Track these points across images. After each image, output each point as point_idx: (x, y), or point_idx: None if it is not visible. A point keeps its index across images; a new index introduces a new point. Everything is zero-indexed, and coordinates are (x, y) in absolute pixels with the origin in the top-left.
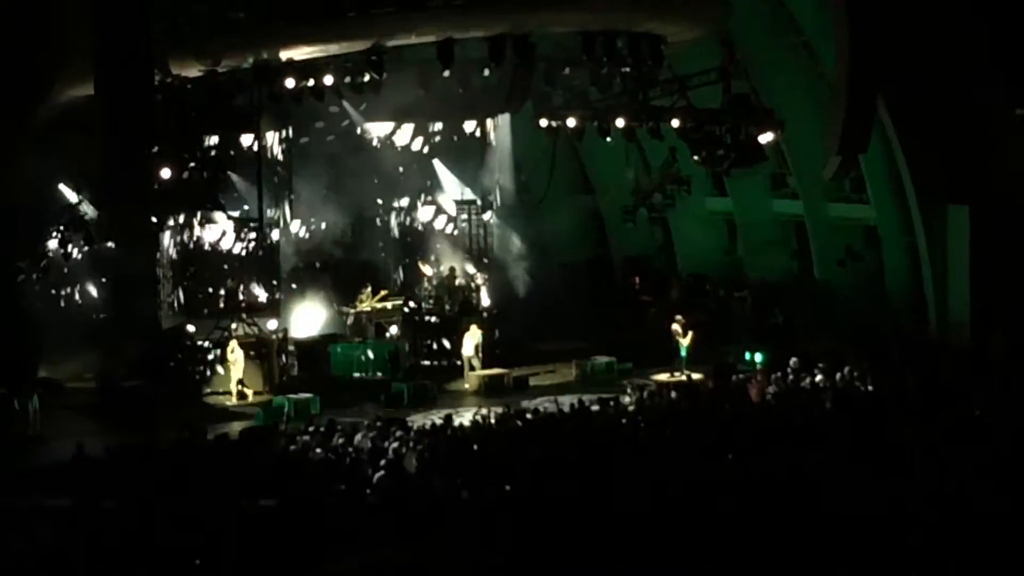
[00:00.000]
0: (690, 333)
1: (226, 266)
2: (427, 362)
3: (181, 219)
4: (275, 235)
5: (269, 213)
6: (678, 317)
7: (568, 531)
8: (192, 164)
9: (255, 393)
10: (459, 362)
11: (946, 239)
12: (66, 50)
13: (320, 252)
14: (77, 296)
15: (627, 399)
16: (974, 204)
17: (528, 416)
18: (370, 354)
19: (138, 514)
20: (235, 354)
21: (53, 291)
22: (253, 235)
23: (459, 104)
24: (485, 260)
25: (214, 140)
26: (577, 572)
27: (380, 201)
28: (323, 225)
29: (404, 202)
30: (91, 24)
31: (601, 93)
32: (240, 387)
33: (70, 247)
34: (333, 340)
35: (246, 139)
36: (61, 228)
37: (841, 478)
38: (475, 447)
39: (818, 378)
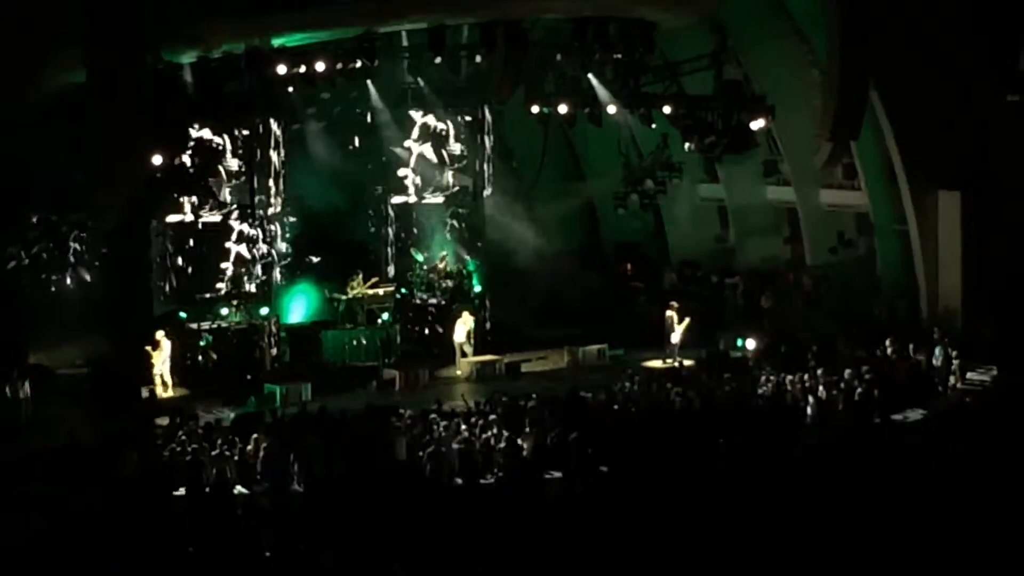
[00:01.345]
0: (686, 320)
1: (219, 253)
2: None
3: (173, 205)
4: (266, 221)
5: (261, 199)
6: (672, 304)
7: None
8: (183, 151)
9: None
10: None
11: (938, 225)
12: (58, 35)
13: (312, 238)
14: (69, 281)
15: (618, 385)
16: (966, 190)
17: (521, 403)
18: (362, 340)
19: (130, 501)
20: (162, 344)
21: (43, 275)
22: (244, 221)
23: (451, 91)
24: (478, 244)
25: (206, 126)
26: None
27: (372, 187)
28: (314, 212)
29: (396, 188)
30: (83, 9)
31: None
32: (163, 378)
33: (62, 231)
34: (324, 327)
35: (238, 125)
36: (52, 215)
37: (833, 463)
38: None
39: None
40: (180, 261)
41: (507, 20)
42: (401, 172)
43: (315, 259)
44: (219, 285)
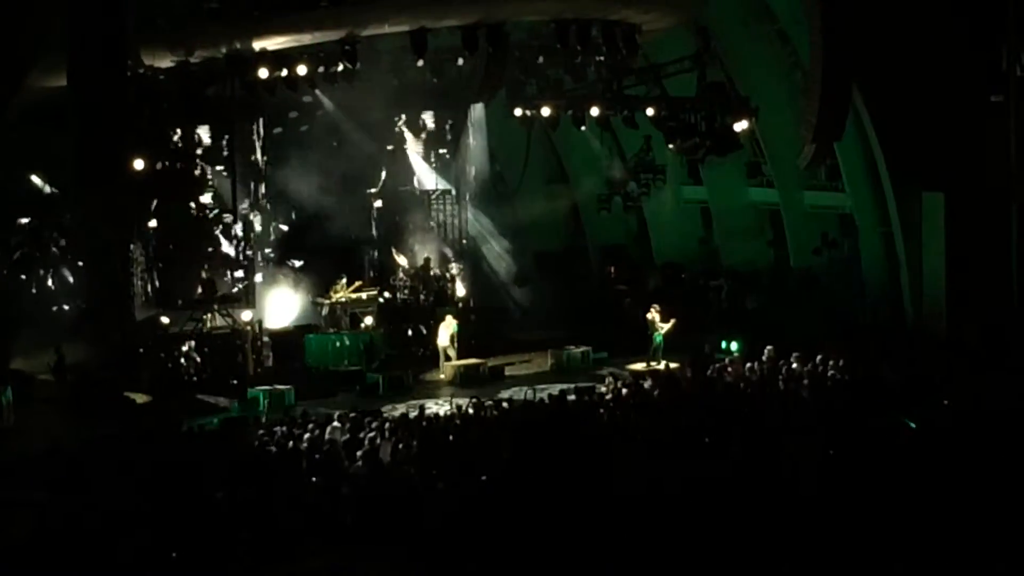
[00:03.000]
0: (672, 321)
1: (199, 257)
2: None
3: (155, 210)
4: (249, 225)
5: (243, 203)
6: (655, 306)
7: (544, 524)
8: (165, 155)
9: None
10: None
11: (921, 226)
12: (40, 41)
13: (294, 242)
14: (51, 282)
15: (603, 388)
16: (949, 191)
17: (504, 406)
18: (345, 344)
19: (113, 507)
20: None
21: (25, 280)
22: (227, 226)
23: (433, 94)
24: (464, 242)
25: (188, 131)
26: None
27: (355, 191)
28: (297, 215)
29: (379, 192)
30: (65, 14)
31: (575, 82)
32: None
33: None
34: (308, 331)
35: (220, 130)
36: (34, 220)
37: (818, 467)
38: (450, 437)
39: (794, 366)
40: (161, 265)
41: (489, 23)
42: (384, 175)
43: (298, 263)
44: (201, 289)
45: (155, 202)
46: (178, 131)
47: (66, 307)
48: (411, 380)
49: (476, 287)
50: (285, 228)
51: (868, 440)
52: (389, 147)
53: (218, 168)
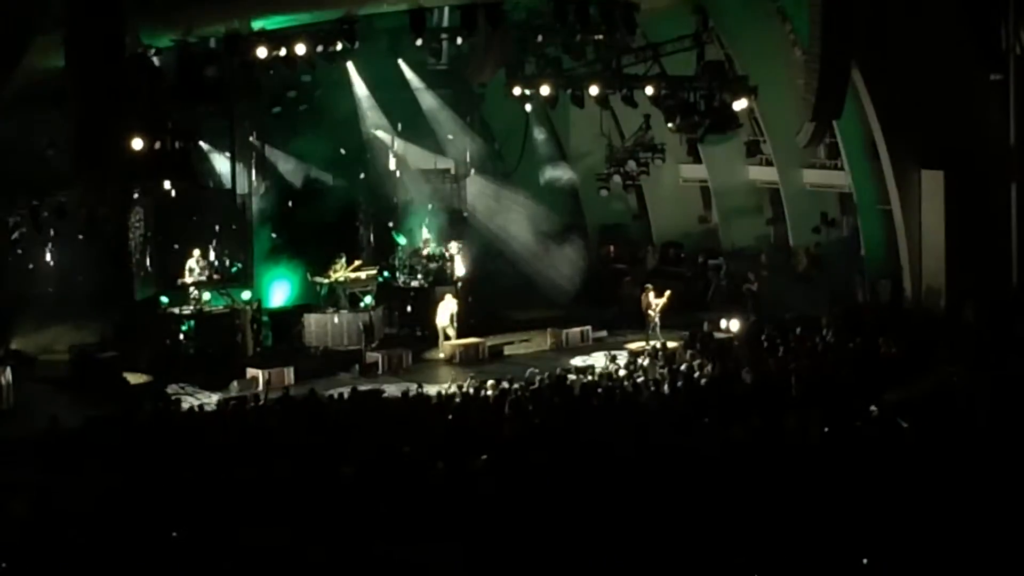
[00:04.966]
0: (666, 293)
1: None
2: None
3: (153, 189)
4: (247, 204)
5: (241, 183)
6: (647, 285)
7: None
8: (164, 135)
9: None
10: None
11: (921, 205)
12: (37, 20)
13: (293, 221)
14: (49, 258)
15: (600, 368)
16: (949, 169)
17: (504, 386)
18: (344, 323)
19: (113, 487)
20: None
21: (23, 261)
22: (225, 205)
23: (432, 73)
24: (461, 227)
25: (186, 110)
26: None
27: (354, 170)
28: (296, 195)
29: (378, 171)
30: None
31: (574, 61)
32: None
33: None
34: (307, 310)
35: (218, 109)
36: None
37: (818, 443)
38: (450, 417)
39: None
40: (159, 245)
41: (488, 2)
42: (383, 155)
43: (297, 242)
44: (197, 268)
45: (154, 181)
46: (176, 110)
47: (65, 289)
48: (410, 360)
49: (476, 266)
50: (284, 207)
51: (867, 417)
52: (389, 126)
53: (217, 147)
